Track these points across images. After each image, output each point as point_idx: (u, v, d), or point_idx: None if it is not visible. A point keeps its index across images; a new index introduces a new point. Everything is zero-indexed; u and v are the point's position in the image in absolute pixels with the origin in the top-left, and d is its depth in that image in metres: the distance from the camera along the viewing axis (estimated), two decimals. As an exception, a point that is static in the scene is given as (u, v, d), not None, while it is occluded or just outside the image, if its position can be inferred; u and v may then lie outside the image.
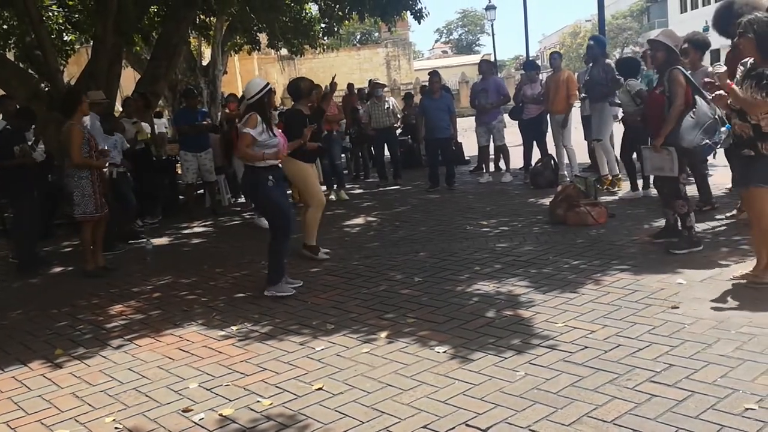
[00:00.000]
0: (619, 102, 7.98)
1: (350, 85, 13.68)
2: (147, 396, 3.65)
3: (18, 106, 7.67)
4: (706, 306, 4.24)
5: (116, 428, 3.30)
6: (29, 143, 7.12)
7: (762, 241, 4.53)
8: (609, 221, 6.87)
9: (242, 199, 10.35)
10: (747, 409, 2.93)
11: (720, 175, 7.61)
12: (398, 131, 12.66)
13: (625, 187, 8.49)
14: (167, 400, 3.58)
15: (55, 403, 3.65)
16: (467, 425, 3.05)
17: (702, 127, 4.89)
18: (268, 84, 5.47)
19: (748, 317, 3.97)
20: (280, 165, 5.49)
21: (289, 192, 7.32)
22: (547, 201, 7.73)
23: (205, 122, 9.87)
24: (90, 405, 3.60)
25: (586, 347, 3.79)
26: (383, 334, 4.27)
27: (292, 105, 6.51)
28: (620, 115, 8.51)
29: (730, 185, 7.13)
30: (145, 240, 7.56)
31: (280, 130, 5.66)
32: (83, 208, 6.38)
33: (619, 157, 8.42)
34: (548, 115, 9.64)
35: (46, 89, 10.17)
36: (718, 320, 3.97)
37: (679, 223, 5.56)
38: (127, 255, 7.44)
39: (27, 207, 6.98)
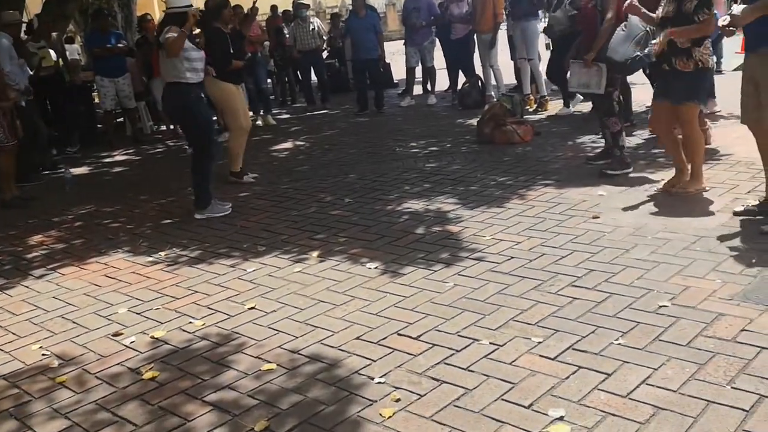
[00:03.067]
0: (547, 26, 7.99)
1: (273, 7, 13.19)
2: (74, 323, 3.58)
3: None
4: (625, 215, 4.43)
5: (43, 354, 3.24)
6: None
7: (694, 154, 4.66)
8: (534, 139, 7.00)
9: (164, 127, 10.02)
10: (660, 306, 3.11)
11: (639, 91, 7.82)
12: (325, 54, 12.39)
13: (551, 108, 8.64)
14: (96, 326, 3.52)
15: (-24, 334, 3.54)
16: (399, 334, 3.13)
17: (633, 39, 4.90)
18: (191, 5, 5.25)
19: (663, 223, 4.17)
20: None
21: (215, 118, 7.13)
22: (474, 121, 7.78)
23: (122, 45, 9.40)
24: (14, 334, 3.51)
25: (512, 257, 3.91)
26: (315, 254, 4.29)
27: (211, 24, 6.25)
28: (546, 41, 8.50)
29: (650, 102, 7.31)
30: (63, 169, 7.26)
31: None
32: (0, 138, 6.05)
33: (546, 75, 8.51)
34: (475, 35, 9.58)
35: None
36: (635, 227, 4.16)
37: (612, 142, 5.62)
38: (44, 186, 7.14)
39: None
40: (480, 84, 9.53)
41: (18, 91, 6.77)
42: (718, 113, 7.04)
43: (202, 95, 5.29)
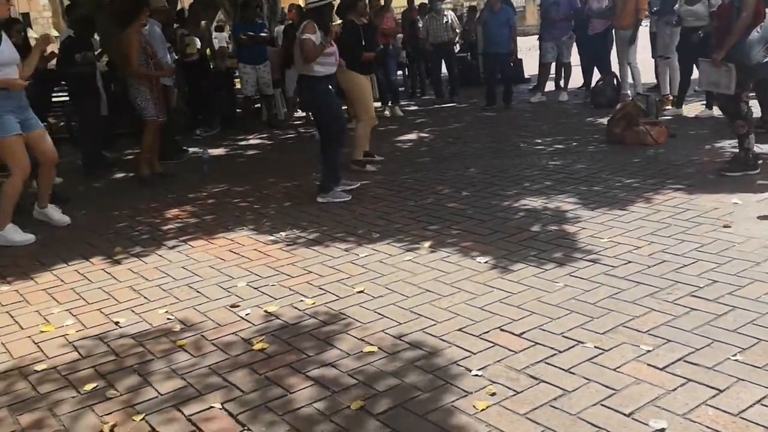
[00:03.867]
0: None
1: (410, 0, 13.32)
2: (198, 292, 3.83)
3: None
4: (760, 226, 4.13)
5: (168, 318, 3.50)
6: (95, 52, 7.28)
7: None
8: (669, 141, 6.66)
9: (298, 114, 10.41)
10: (788, 325, 2.90)
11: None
12: (457, 47, 12.35)
13: (691, 109, 8.17)
14: (216, 296, 3.75)
15: (113, 294, 3.87)
16: (502, 330, 3.11)
17: (767, 44, 4.58)
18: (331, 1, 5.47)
19: (802, 238, 3.86)
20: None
21: (344, 107, 7.33)
22: (605, 120, 7.50)
23: (265, 34, 9.87)
24: (145, 297, 3.80)
25: (630, 262, 3.76)
26: (426, 244, 4.33)
27: (345, 16, 6.43)
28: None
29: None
30: (201, 150, 7.74)
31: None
32: (150, 112, 6.56)
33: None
34: (613, 31, 9.22)
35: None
36: (770, 240, 3.87)
37: (738, 145, 5.30)
38: (184, 164, 7.64)
39: (90, 113, 7.21)
40: (615, 82, 9.16)
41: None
42: None
43: (330, 87, 5.45)
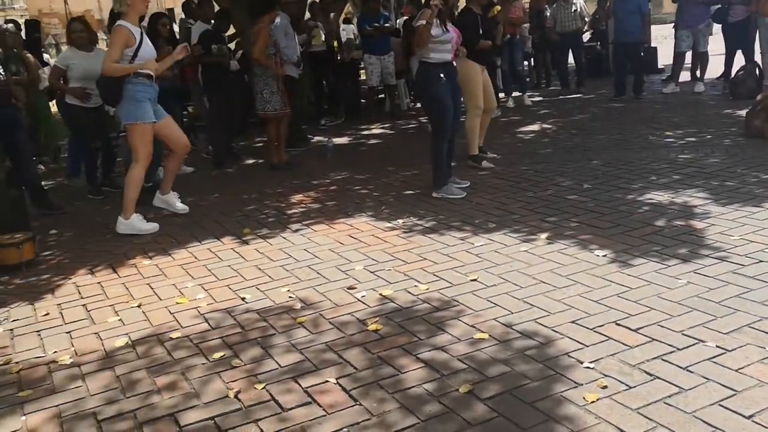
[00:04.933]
0: None
1: (537, -12, 13.05)
2: (318, 273, 4.01)
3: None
4: None
5: (290, 297, 3.69)
6: (230, 48, 7.69)
7: None
8: (815, 135, 6.18)
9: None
10: None
11: None
12: (587, 36, 11.98)
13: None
14: (335, 278, 3.91)
15: (241, 272, 4.13)
16: (617, 324, 3.04)
17: None
18: None
19: None
20: (454, 63, 5.50)
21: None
22: (745, 112, 7.06)
23: (389, 25, 10.04)
24: (269, 276, 4.03)
25: (761, 261, 3.56)
26: (543, 236, 4.29)
27: (465, 4, 6.41)
28: None
29: None
30: (327, 139, 8.00)
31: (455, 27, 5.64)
32: (273, 105, 6.88)
33: None
34: (757, 18, 8.61)
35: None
36: None
37: None
38: (309, 152, 7.95)
39: (223, 104, 7.62)
40: (757, 72, 8.57)
41: (292, 63, 7.60)
42: None
43: (442, 75, 5.36)
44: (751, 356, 2.66)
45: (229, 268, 4.23)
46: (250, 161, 7.77)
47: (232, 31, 8.99)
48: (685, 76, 10.19)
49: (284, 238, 4.75)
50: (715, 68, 9.81)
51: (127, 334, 3.38)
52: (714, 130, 6.99)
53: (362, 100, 10.98)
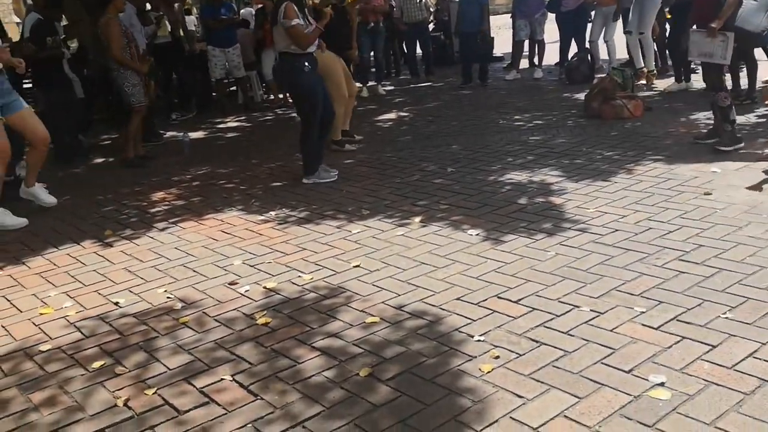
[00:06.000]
0: None
1: (382, -21, 13.27)
2: (194, 271, 3.86)
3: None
4: (740, 192, 4.28)
5: (168, 297, 3.52)
6: (61, 37, 7.13)
7: None
8: (645, 114, 6.80)
9: (272, 96, 10.36)
10: (773, 283, 3.03)
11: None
12: (431, 27, 12.37)
13: (660, 84, 8.35)
14: (214, 275, 3.78)
15: (109, 276, 3.88)
16: (499, 297, 3.19)
17: (767, 11, 4.62)
18: None
19: (780, 202, 4.01)
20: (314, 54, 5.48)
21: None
22: (582, 96, 7.63)
23: (235, 17, 9.77)
24: (142, 278, 3.82)
25: (617, 230, 3.87)
26: (417, 219, 4.40)
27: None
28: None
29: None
30: (182, 134, 7.68)
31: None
32: (138, 98, 6.52)
33: (667, 50, 8.23)
34: (591, 8, 9.32)
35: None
36: (750, 205, 4.02)
37: (721, 117, 5.38)
38: (164, 147, 7.60)
39: (60, 98, 7.05)
40: (590, 58, 9.29)
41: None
42: None
43: (307, 63, 5.36)
44: (622, 317, 2.90)
45: (95, 272, 3.95)
46: (99, 159, 7.30)
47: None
48: (523, 63, 10.82)
49: (151, 237, 4.52)
50: (551, 55, 10.50)
51: (-13, 352, 3.07)
52: (557, 112, 7.50)
53: (213, 94, 10.64)
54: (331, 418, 2.39)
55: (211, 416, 2.45)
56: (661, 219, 3.97)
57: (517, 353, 2.69)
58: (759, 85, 6.81)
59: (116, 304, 3.48)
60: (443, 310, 3.12)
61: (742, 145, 5.19)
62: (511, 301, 3.15)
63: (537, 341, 2.77)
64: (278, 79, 6.33)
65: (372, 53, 10.22)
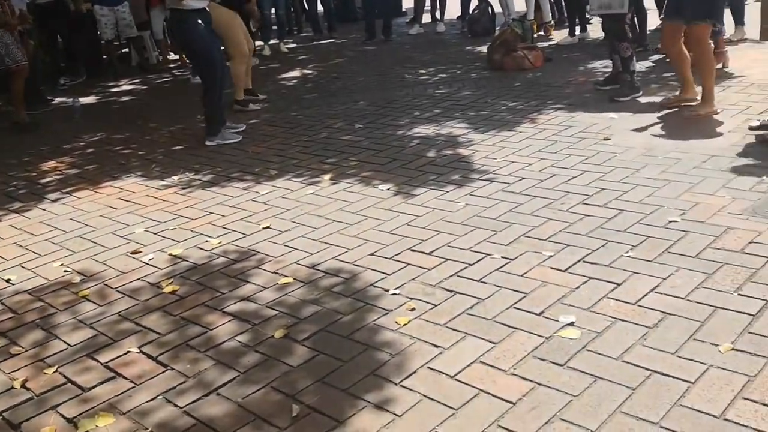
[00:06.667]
0: None
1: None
2: (93, 242, 3.65)
3: None
4: (636, 136, 4.43)
5: (65, 271, 3.32)
6: None
7: (706, 75, 4.63)
8: (545, 65, 6.93)
9: (172, 56, 9.92)
10: (671, 221, 3.16)
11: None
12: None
13: (556, 36, 8.52)
14: (114, 245, 3.59)
15: (-3, 252, 3.62)
16: (412, 250, 3.19)
17: None
18: None
19: (674, 144, 4.18)
20: (207, 8, 5.23)
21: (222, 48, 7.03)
22: (484, 48, 7.69)
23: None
24: (35, 252, 3.58)
25: (523, 178, 3.94)
26: (326, 177, 4.32)
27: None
28: None
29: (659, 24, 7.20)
30: (72, 99, 7.23)
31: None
32: (13, 57, 6.05)
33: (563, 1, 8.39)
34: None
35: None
36: (646, 148, 4.17)
37: (621, 67, 5.51)
38: (53, 114, 7.14)
39: None
40: (490, 11, 9.35)
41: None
42: (742, 40, 6.91)
43: (199, 21, 5.09)
44: (531, 261, 2.95)
45: (-19, 249, 3.68)
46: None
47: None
48: (426, 17, 10.78)
49: (43, 209, 4.24)
50: (453, 9, 10.49)
51: None
52: (461, 65, 7.53)
53: (104, 56, 10.05)
54: (246, 382, 2.32)
55: (119, 391, 2.33)
56: (564, 165, 4.06)
57: (432, 304, 2.69)
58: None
59: (8, 281, 3.25)
60: (357, 266, 3.09)
61: (641, 93, 5.37)
62: (424, 253, 3.15)
63: (451, 291, 2.78)
64: (171, 36, 6.01)
65: (273, 10, 9.89)
